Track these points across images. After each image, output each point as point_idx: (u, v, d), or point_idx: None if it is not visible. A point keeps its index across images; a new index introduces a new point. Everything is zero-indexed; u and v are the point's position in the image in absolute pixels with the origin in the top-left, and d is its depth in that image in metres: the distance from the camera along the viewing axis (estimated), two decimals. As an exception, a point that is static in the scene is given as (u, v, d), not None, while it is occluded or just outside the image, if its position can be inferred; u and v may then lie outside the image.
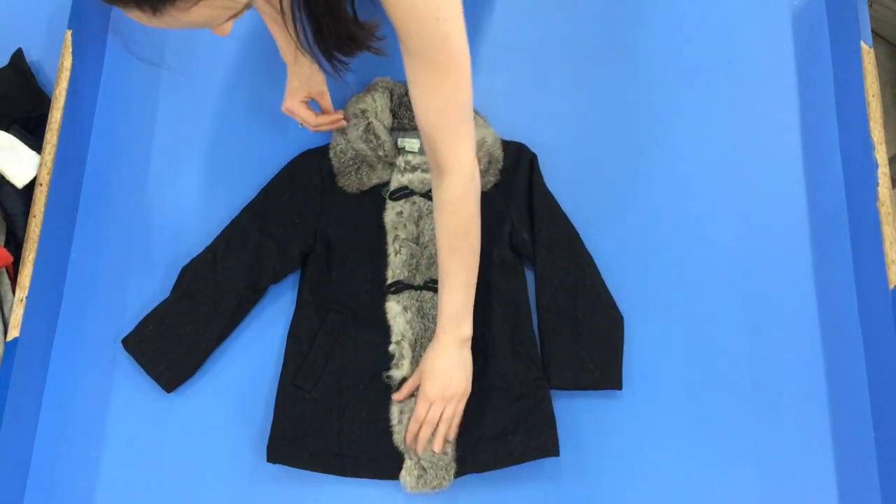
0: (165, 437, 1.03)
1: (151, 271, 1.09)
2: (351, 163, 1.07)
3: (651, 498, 0.99)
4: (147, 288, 1.09)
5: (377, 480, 0.98)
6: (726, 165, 1.13)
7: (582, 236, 1.08)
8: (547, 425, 0.98)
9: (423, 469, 0.95)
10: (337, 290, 1.05)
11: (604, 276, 1.07)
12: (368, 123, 1.07)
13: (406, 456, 0.97)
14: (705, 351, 1.05)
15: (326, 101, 1.10)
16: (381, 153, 1.07)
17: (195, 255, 1.07)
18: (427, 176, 1.07)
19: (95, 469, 1.02)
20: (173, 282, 1.06)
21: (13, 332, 1.00)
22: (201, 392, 1.05)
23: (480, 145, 1.06)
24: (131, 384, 1.05)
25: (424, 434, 0.95)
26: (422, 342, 1.01)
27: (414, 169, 1.08)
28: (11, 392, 0.97)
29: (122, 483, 1.01)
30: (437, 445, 0.95)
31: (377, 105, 1.09)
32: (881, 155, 1.06)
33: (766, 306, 1.07)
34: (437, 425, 0.95)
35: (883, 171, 1.05)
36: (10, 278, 1.06)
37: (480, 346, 1.00)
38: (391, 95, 1.11)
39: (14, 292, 1.03)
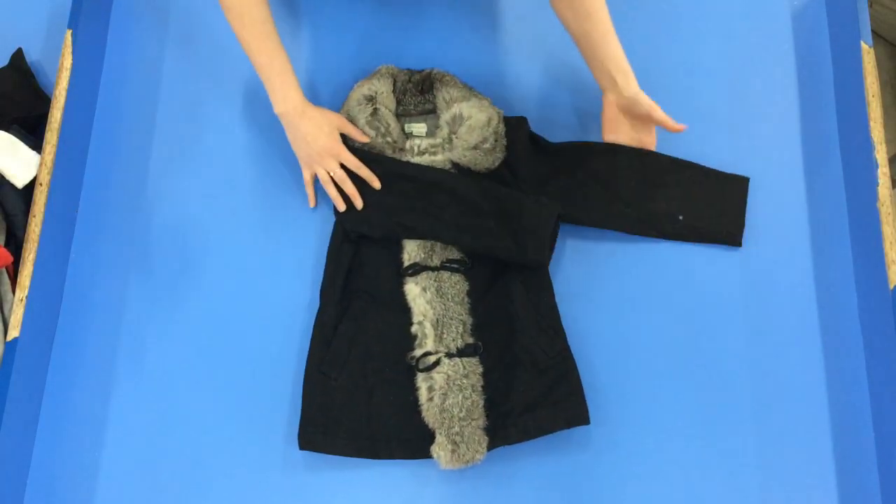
0: (168, 436, 1.03)
1: (151, 271, 1.09)
2: (361, 151, 1.08)
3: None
4: (147, 288, 1.09)
5: (410, 460, 0.99)
6: (726, 165, 1.13)
7: (580, 234, 1.08)
8: (574, 395, 0.99)
9: (456, 444, 0.96)
10: (357, 276, 1.06)
11: (603, 275, 1.07)
12: (375, 109, 1.08)
13: (437, 432, 0.97)
14: (705, 350, 1.05)
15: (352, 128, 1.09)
16: (388, 139, 1.08)
17: (194, 255, 1.08)
18: (435, 158, 1.08)
19: (95, 469, 1.02)
20: (173, 282, 1.07)
21: (13, 332, 1.00)
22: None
23: (488, 124, 1.07)
24: (132, 384, 1.05)
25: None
26: (443, 321, 1.02)
27: (422, 153, 1.09)
28: (11, 392, 0.97)
29: (122, 483, 1.01)
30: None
31: (382, 91, 1.10)
32: (881, 155, 1.06)
33: (766, 306, 1.07)
34: None
35: (883, 171, 1.05)
36: (10, 278, 1.06)
37: (504, 322, 1.02)
38: (394, 82, 1.12)
39: (14, 292, 1.03)
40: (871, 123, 1.07)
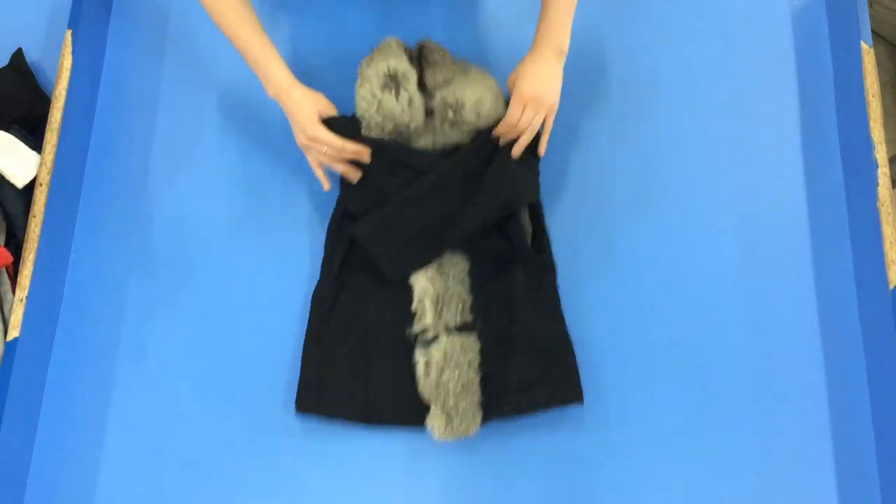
0: (167, 435, 1.03)
1: (151, 271, 1.09)
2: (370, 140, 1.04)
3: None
4: (147, 288, 1.09)
5: (404, 432, 1.00)
6: (726, 165, 1.13)
7: (580, 234, 1.09)
8: (571, 378, 1.00)
9: (450, 416, 0.97)
10: (359, 251, 1.05)
11: (603, 273, 1.07)
12: (401, 89, 1.03)
13: (433, 405, 0.98)
14: (705, 350, 1.05)
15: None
16: (413, 123, 1.04)
17: (194, 254, 1.08)
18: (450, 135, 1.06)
19: (95, 469, 1.02)
20: (173, 282, 1.07)
21: (13, 332, 1.00)
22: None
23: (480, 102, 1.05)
24: (132, 384, 1.05)
25: (513, 136, 1.02)
26: (443, 299, 1.03)
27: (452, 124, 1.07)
28: (11, 392, 0.97)
29: (122, 483, 1.01)
30: (517, 151, 1.02)
31: (403, 68, 1.04)
32: (881, 155, 1.06)
33: (766, 306, 1.07)
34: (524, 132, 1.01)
35: (883, 171, 1.05)
36: (10, 278, 1.06)
37: (504, 302, 1.02)
38: (409, 56, 1.09)
39: (14, 292, 1.03)
40: (871, 123, 1.07)
